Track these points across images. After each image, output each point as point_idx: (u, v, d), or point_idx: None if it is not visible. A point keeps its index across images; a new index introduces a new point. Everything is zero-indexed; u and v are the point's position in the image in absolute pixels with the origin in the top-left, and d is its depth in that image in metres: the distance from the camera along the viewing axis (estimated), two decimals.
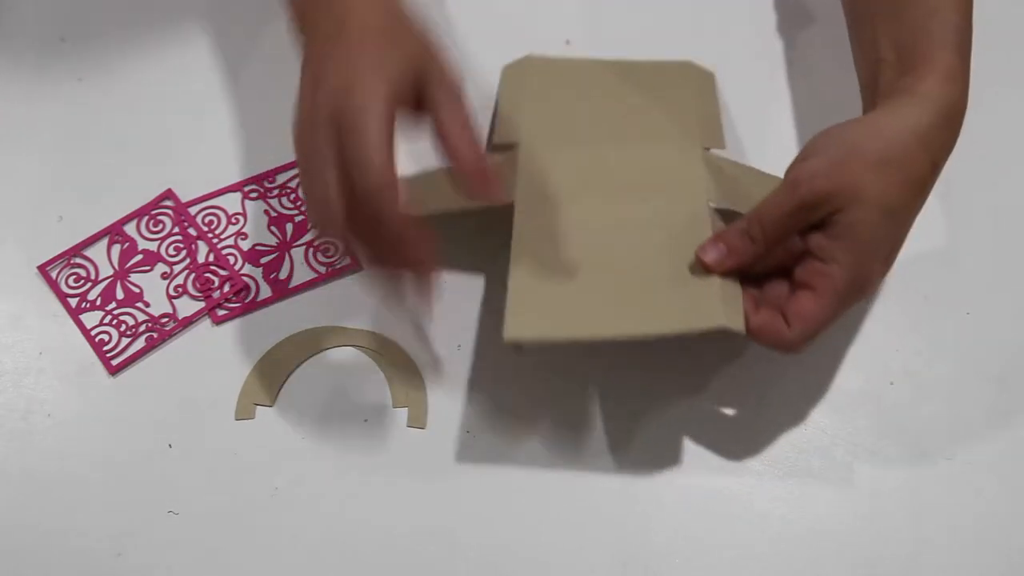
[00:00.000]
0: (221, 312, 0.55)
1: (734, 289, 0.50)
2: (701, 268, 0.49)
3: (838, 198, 0.46)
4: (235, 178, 0.59)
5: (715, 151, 0.57)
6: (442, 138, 0.45)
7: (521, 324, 0.48)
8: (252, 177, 0.59)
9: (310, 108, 0.45)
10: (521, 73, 0.62)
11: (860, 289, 0.48)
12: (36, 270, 0.56)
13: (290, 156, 0.59)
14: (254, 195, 0.59)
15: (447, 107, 0.45)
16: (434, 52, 0.47)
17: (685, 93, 0.61)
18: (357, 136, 0.42)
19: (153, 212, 0.58)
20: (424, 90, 0.45)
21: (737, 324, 0.48)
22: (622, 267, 0.51)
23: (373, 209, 0.43)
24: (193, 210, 0.58)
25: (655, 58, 0.63)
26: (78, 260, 0.57)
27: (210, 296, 0.55)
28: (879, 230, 0.46)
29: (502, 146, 0.57)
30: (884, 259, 0.48)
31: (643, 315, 0.49)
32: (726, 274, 0.49)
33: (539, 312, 0.49)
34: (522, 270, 0.50)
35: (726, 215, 0.53)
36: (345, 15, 0.47)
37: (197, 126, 0.62)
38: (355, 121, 0.42)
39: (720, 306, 0.48)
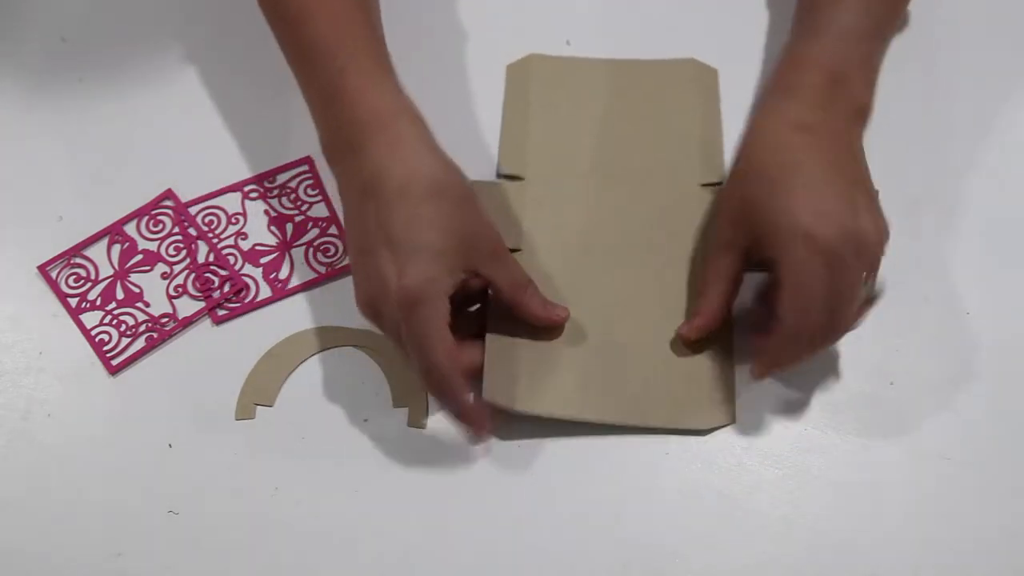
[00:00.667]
0: (221, 312, 0.55)
1: (724, 373, 0.52)
2: (691, 352, 0.53)
3: (748, 227, 0.49)
4: (235, 178, 0.59)
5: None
6: (512, 306, 0.51)
7: (496, 389, 0.51)
8: (252, 177, 0.59)
9: (376, 291, 0.48)
10: (525, 72, 0.62)
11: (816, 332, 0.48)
12: (36, 270, 0.56)
13: (290, 156, 0.60)
14: (254, 195, 0.59)
15: (501, 276, 0.50)
16: (477, 223, 0.49)
17: (688, 91, 0.61)
18: (425, 347, 0.47)
19: (153, 212, 0.58)
20: (477, 264, 0.49)
21: (718, 419, 0.51)
22: (610, 347, 0.53)
23: (442, 396, 0.49)
24: (193, 210, 0.58)
25: (655, 58, 0.63)
26: (78, 260, 0.57)
27: (210, 296, 0.55)
28: (816, 271, 0.46)
29: (508, 176, 0.59)
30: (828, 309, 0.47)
31: (623, 405, 0.52)
32: (719, 357, 0.52)
33: (517, 381, 0.52)
34: (503, 337, 0.53)
35: None
36: (379, 172, 0.48)
37: (197, 126, 0.61)
38: (421, 332, 0.46)
39: (702, 406, 0.52)
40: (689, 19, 0.64)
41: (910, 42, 0.64)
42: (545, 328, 0.53)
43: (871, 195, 0.50)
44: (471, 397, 0.49)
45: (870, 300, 0.51)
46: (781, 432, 0.52)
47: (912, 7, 0.65)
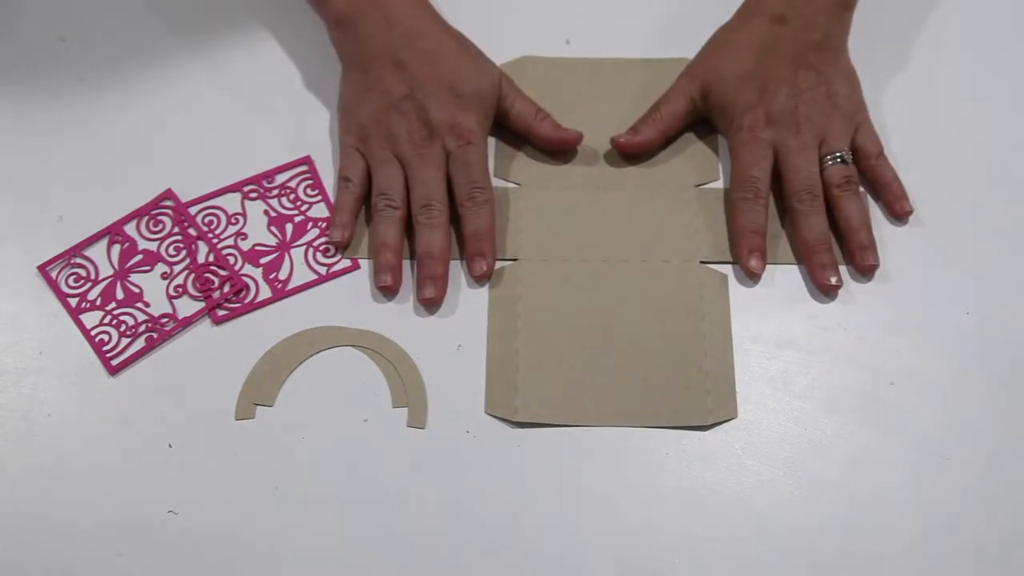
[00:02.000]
0: (221, 312, 0.55)
1: (724, 367, 0.53)
2: (691, 349, 0.54)
3: (704, 83, 0.59)
4: (234, 178, 0.59)
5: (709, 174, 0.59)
6: (533, 136, 0.60)
7: (497, 402, 0.52)
8: (251, 177, 0.59)
9: (443, 115, 0.57)
10: (518, 74, 0.62)
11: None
12: (36, 270, 0.56)
13: (289, 156, 0.60)
14: (254, 195, 0.59)
15: (516, 106, 0.59)
16: (492, 68, 0.59)
17: None
18: (470, 168, 0.56)
19: (153, 212, 0.58)
20: (500, 101, 0.59)
21: (719, 414, 0.52)
22: (609, 349, 0.54)
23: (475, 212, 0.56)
24: (193, 210, 0.58)
25: (655, 58, 0.63)
26: (78, 260, 0.57)
27: (210, 296, 0.55)
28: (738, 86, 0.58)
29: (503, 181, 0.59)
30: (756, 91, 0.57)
31: (625, 406, 0.52)
32: (720, 362, 0.53)
33: (517, 391, 0.52)
34: (500, 347, 0.54)
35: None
36: (418, 30, 0.58)
37: (197, 126, 0.61)
38: (467, 157, 0.56)
39: (703, 401, 0.52)
40: (689, 19, 0.64)
41: (914, 39, 0.64)
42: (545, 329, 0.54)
43: (829, 81, 0.57)
44: None
45: (848, 177, 0.56)
46: (781, 432, 0.52)
47: (913, 9, 0.65)
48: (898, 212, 0.57)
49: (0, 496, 0.51)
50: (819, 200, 0.56)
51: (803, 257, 0.56)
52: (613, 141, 0.59)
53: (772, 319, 0.55)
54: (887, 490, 0.50)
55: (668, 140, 0.60)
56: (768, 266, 0.56)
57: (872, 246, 0.55)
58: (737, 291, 0.55)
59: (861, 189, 0.58)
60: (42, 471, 0.51)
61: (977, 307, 0.55)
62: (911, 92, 0.62)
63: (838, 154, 0.56)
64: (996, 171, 0.59)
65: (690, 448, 0.51)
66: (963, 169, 0.59)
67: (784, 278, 0.56)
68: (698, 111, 0.60)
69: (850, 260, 0.56)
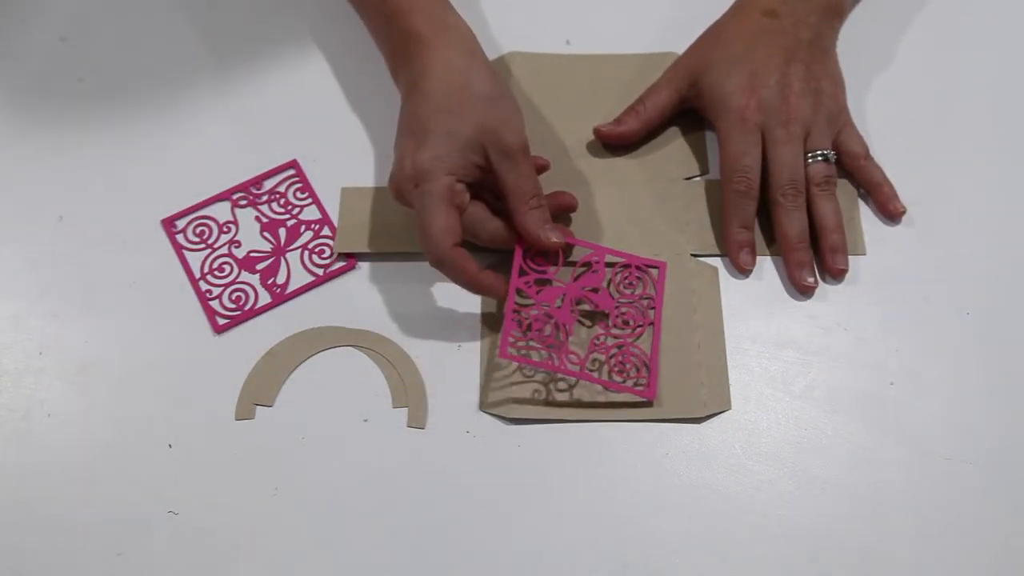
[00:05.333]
0: (222, 321, 0.55)
1: (717, 360, 0.53)
2: (685, 343, 0.54)
3: (693, 72, 0.59)
4: (222, 187, 0.59)
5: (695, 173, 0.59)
6: (511, 213, 0.52)
7: (492, 399, 0.52)
8: (239, 184, 0.59)
9: (396, 172, 0.52)
10: (505, 71, 0.62)
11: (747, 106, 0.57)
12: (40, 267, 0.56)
13: (277, 160, 0.60)
14: (243, 203, 0.59)
15: (510, 178, 0.51)
16: (497, 118, 0.51)
17: None
18: (423, 222, 0.50)
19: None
20: (490, 156, 0.51)
21: (713, 406, 0.52)
22: (606, 348, 0.53)
23: (445, 272, 0.51)
24: (181, 222, 0.58)
25: (642, 53, 0.63)
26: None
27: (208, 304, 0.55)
28: (729, 74, 0.57)
29: None
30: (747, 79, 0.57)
31: (620, 403, 0.52)
32: (712, 355, 0.54)
33: (513, 388, 0.52)
34: (494, 343, 0.53)
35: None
36: (421, 73, 0.52)
37: (189, 134, 0.61)
38: (421, 206, 0.50)
39: (696, 394, 0.52)
40: (689, 19, 0.64)
41: (909, 44, 0.64)
42: (541, 255, 0.53)
43: (817, 78, 0.57)
44: (475, 269, 0.50)
45: (828, 177, 0.56)
46: (781, 432, 0.52)
47: (915, 10, 0.65)
48: (891, 212, 0.57)
49: (0, 496, 0.51)
50: (803, 196, 0.56)
51: (782, 253, 0.56)
52: (596, 131, 0.59)
53: (772, 319, 0.55)
54: (887, 490, 0.50)
55: (651, 132, 0.60)
56: (768, 266, 0.56)
57: (844, 250, 0.55)
58: (737, 291, 0.55)
59: (860, 189, 0.58)
60: (42, 471, 0.51)
61: (977, 307, 0.55)
62: (911, 92, 0.62)
63: (820, 153, 0.56)
64: (996, 171, 0.59)
65: (690, 448, 0.51)
66: (963, 169, 0.59)
67: (784, 278, 0.56)
68: (685, 101, 0.59)
69: (821, 261, 0.56)
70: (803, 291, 0.55)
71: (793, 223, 0.55)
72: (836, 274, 0.55)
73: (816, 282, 0.55)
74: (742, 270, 0.56)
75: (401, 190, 0.51)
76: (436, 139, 0.50)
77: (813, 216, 0.56)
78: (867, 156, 0.58)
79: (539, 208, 0.52)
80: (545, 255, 0.53)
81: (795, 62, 0.57)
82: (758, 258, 0.56)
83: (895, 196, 0.57)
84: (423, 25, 0.53)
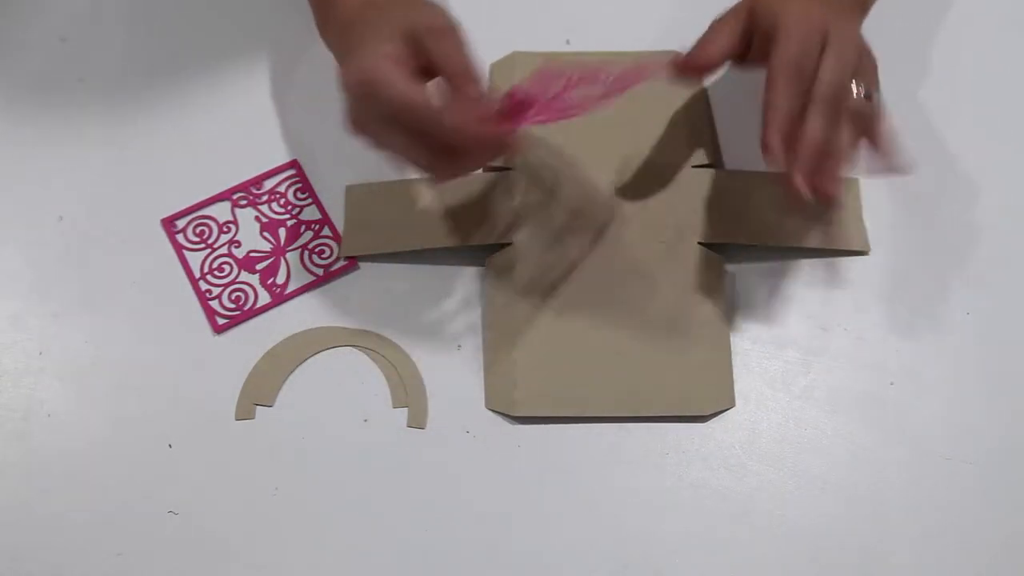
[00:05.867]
0: (222, 321, 0.55)
1: (721, 357, 0.53)
2: (687, 338, 0.53)
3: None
4: (222, 186, 0.59)
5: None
6: (452, 92, 0.48)
7: (496, 397, 0.52)
8: (239, 184, 0.59)
9: (346, 101, 0.48)
10: (509, 69, 0.62)
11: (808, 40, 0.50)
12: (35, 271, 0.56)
13: (277, 161, 0.60)
14: (243, 203, 0.59)
15: (442, 56, 0.48)
16: (417, 5, 0.49)
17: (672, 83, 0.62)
18: (391, 101, 0.46)
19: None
20: (420, 40, 0.48)
21: (717, 403, 0.52)
22: (606, 338, 0.53)
23: (452, 137, 0.46)
24: (182, 222, 0.58)
25: (645, 51, 0.63)
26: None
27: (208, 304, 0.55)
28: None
29: (496, 168, 0.58)
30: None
31: (623, 397, 0.52)
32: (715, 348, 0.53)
33: (516, 386, 0.52)
34: (497, 337, 0.53)
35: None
36: (332, 3, 0.52)
37: (186, 133, 0.61)
38: (381, 94, 0.46)
39: (701, 391, 0.52)
40: (689, 19, 0.63)
41: (916, 42, 0.64)
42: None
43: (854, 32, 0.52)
44: (475, 104, 0.47)
45: (869, 113, 0.51)
46: (781, 432, 0.52)
47: (916, 14, 0.65)
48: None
49: (0, 496, 0.51)
50: (841, 113, 0.50)
51: (797, 150, 0.49)
52: (672, 63, 0.53)
53: (772, 319, 0.55)
54: (887, 490, 0.50)
55: (724, 64, 0.54)
56: (769, 266, 0.56)
57: (840, 181, 0.50)
58: (737, 291, 0.55)
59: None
60: (42, 471, 0.51)
61: (977, 307, 0.55)
62: (912, 91, 0.62)
63: (863, 88, 0.51)
64: (996, 171, 0.59)
65: (690, 448, 0.51)
66: (963, 169, 0.59)
67: (784, 277, 0.56)
68: (746, 33, 0.53)
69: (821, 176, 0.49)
70: (789, 190, 0.48)
71: (824, 130, 0.49)
72: (824, 196, 0.49)
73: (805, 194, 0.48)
74: (770, 154, 0.49)
75: (354, 111, 0.48)
76: (367, 40, 0.48)
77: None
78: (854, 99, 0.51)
79: (475, 89, 0.48)
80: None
81: (840, 11, 0.52)
82: (757, 257, 0.56)
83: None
84: None
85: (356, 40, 0.49)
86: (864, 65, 0.52)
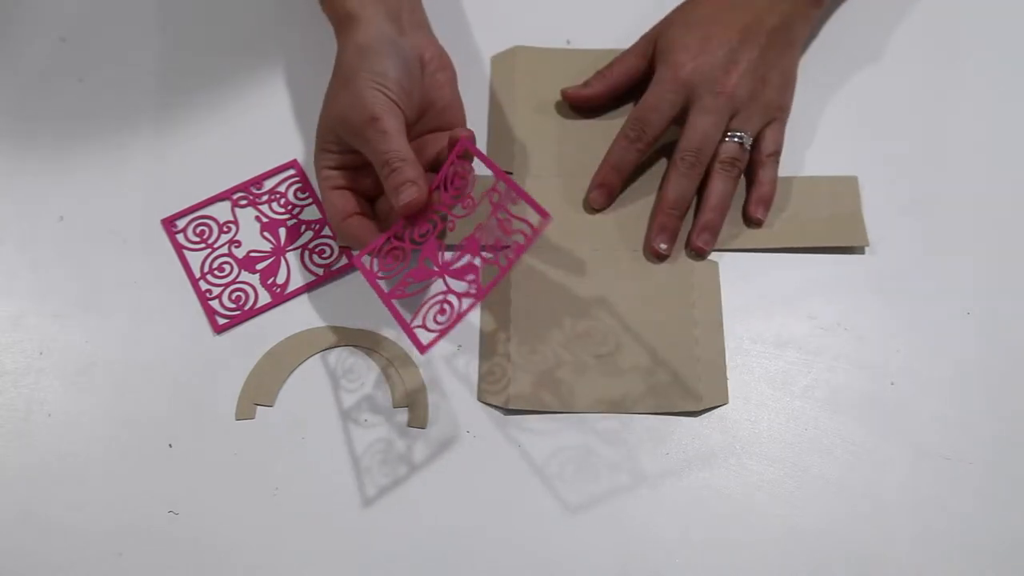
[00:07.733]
0: (222, 321, 0.55)
1: (715, 354, 0.53)
2: (682, 336, 0.54)
3: (657, 33, 0.60)
4: (222, 186, 0.59)
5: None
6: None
7: (488, 391, 0.52)
8: (239, 184, 0.59)
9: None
10: (510, 64, 0.62)
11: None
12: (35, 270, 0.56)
13: (277, 160, 0.60)
14: (243, 203, 0.59)
15: (366, 153, 0.51)
16: (342, 103, 0.51)
17: None
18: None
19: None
20: (346, 140, 0.52)
21: (710, 400, 0.52)
22: (600, 335, 0.54)
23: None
24: (182, 222, 0.58)
25: None
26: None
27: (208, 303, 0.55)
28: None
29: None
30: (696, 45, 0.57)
31: (616, 394, 0.52)
32: (713, 344, 0.54)
33: (509, 381, 0.52)
34: (492, 334, 0.54)
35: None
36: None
37: (189, 134, 0.61)
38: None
39: (694, 388, 0.52)
40: None
41: (912, 44, 0.64)
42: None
43: (768, 66, 0.57)
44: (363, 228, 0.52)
45: (736, 160, 0.56)
46: (781, 432, 0.52)
47: (917, 14, 0.65)
48: (750, 213, 0.57)
49: (0, 496, 0.51)
50: (699, 169, 0.56)
51: (653, 213, 0.56)
52: (563, 92, 0.60)
53: (772, 319, 0.55)
54: (887, 490, 0.50)
55: (618, 97, 0.60)
56: (769, 266, 0.56)
57: (714, 231, 0.56)
58: (738, 291, 0.55)
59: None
60: (42, 471, 0.51)
61: (977, 307, 0.55)
62: (911, 91, 0.62)
63: (739, 134, 0.56)
64: (996, 171, 0.59)
65: (690, 448, 0.51)
66: (963, 169, 0.59)
67: (784, 278, 0.56)
68: (651, 66, 0.59)
69: (689, 233, 0.56)
70: (653, 253, 0.56)
71: (676, 188, 0.56)
72: (698, 250, 0.56)
73: (668, 250, 0.55)
74: (594, 207, 0.57)
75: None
76: (318, 134, 0.53)
77: (703, 190, 0.56)
78: (773, 154, 0.57)
79: (393, 172, 0.49)
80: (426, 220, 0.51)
81: (751, 44, 0.57)
82: (757, 257, 0.56)
83: (765, 204, 0.57)
84: (339, 9, 0.54)
85: (339, 84, 0.52)
86: (751, 107, 0.57)
